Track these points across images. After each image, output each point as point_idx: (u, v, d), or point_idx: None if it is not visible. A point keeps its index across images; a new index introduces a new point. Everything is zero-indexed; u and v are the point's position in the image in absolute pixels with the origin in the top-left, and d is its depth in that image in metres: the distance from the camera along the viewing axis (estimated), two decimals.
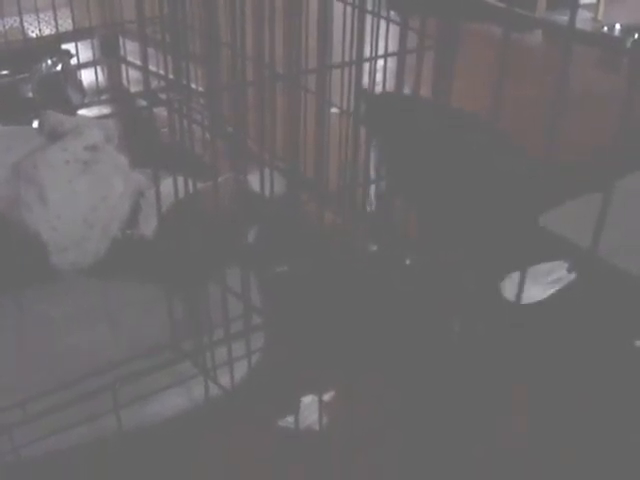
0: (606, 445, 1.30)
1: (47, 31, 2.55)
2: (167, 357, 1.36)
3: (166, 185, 1.26)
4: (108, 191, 1.55)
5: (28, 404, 1.21)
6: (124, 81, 2.62)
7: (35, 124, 1.72)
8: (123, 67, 2.61)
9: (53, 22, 2.51)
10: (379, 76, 1.56)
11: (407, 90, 1.51)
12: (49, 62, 2.41)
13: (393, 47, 1.47)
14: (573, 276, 1.68)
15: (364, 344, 1.46)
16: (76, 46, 2.50)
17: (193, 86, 1.19)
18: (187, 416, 1.35)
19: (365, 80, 1.54)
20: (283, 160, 1.30)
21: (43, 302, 1.51)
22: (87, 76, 2.58)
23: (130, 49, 2.57)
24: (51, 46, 2.48)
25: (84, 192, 1.51)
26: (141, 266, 1.56)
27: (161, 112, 1.25)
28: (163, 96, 1.23)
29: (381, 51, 1.50)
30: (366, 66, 1.48)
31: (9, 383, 1.33)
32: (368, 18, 1.49)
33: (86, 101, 2.43)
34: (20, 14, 2.37)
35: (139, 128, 2.07)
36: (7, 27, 2.43)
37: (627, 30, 3.17)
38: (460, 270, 1.55)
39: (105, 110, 2.41)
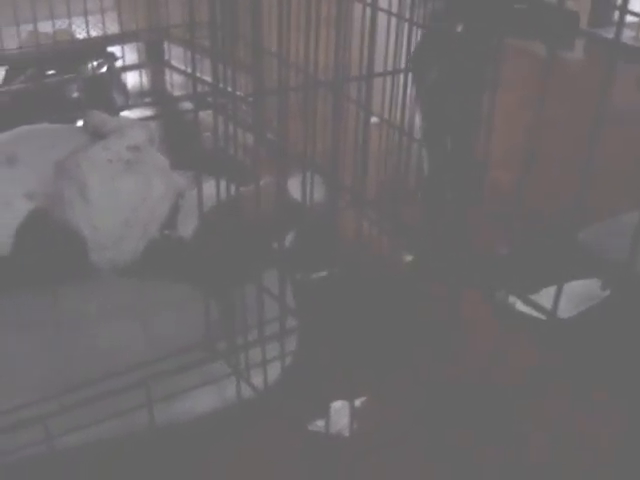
0: None
1: (94, 34, 2.59)
2: (200, 356, 1.37)
3: (207, 187, 1.28)
4: (149, 192, 1.56)
5: (63, 396, 1.23)
6: (167, 85, 2.65)
7: (79, 123, 1.74)
8: (167, 71, 2.65)
9: (100, 25, 2.56)
10: None
11: None
12: (95, 64, 2.46)
13: None
14: (607, 294, 1.67)
15: (395, 350, 1.47)
16: (122, 49, 2.56)
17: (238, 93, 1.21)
18: (218, 415, 1.36)
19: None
20: (322, 167, 1.31)
21: (80, 298, 1.52)
22: (131, 79, 2.62)
23: (174, 54, 2.61)
24: (97, 48, 2.52)
25: (125, 191, 1.53)
26: (177, 266, 1.57)
27: (204, 117, 1.27)
28: (209, 100, 1.25)
29: None
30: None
31: (45, 376, 1.35)
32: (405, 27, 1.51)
33: (130, 103, 2.46)
34: (69, 16, 2.43)
35: (182, 131, 2.09)
36: (56, 28, 2.48)
37: None
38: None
39: (148, 112, 2.45)
